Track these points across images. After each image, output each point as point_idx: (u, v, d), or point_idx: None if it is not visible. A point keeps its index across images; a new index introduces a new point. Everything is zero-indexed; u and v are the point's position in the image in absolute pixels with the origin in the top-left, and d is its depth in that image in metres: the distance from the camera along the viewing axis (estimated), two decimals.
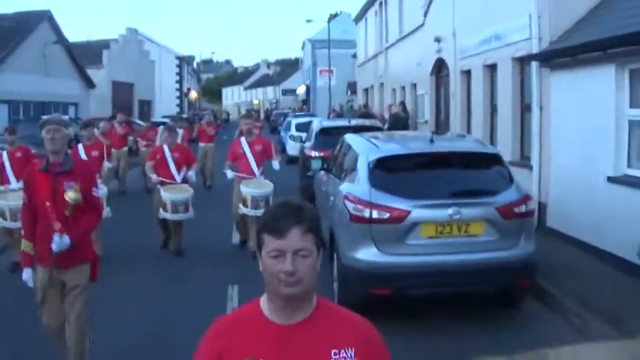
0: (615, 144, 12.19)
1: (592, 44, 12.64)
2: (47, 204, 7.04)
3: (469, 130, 21.53)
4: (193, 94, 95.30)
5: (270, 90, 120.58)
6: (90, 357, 7.62)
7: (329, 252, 10.32)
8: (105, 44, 57.08)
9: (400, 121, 27.17)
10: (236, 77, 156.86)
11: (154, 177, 14.00)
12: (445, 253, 9.19)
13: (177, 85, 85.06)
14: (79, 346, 7.29)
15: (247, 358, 3.03)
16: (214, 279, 12.42)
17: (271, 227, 3.03)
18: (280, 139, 38.10)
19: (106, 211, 12.82)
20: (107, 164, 15.39)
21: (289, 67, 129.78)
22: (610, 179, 12.19)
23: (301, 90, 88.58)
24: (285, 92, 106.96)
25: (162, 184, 13.88)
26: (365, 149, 10.72)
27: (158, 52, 74.91)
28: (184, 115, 58.81)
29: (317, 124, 22.21)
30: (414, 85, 30.22)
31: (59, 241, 6.87)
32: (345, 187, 10.41)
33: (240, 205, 13.30)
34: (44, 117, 28.57)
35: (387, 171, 9.94)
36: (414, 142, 11.74)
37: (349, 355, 3.07)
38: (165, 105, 72.57)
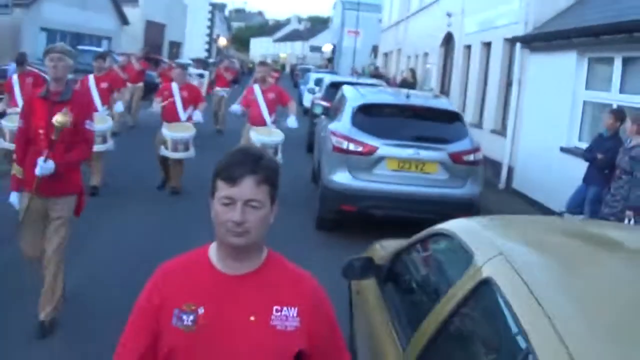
0: (569, 120, 14.44)
1: (560, 33, 14.90)
2: (41, 131, 7.03)
3: (465, 100, 23.83)
4: (222, 41, 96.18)
5: (298, 45, 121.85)
6: (69, 288, 7.73)
7: (315, 177, 13.51)
8: None
9: (407, 86, 29.28)
10: (267, 29, 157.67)
11: (154, 104, 14.08)
12: (403, 184, 11.48)
13: (208, 31, 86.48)
14: (55, 278, 7.23)
15: (185, 303, 2.94)
16: (207, 219, 12.43)
17: (225, 173, 2.92)
18: (299, 92, 40.39)
19: (109, 144, 13.47)
20: (116, 97, 15.05)
21: (319, 24, 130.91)
22: (563, 149, 14.41)
23: (327, 48, 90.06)
24: (312, 49, 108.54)
25: (166, 120, 13.84)
26: (353, 97, 13.25)
27: None
28: (211, 60, 60.56)
29: (328, 78, 24.75)
30: (426, 55, 32.25)
31: (43, 165, 6.80)
32: (333, 125, 12.83)
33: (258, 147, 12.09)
34: (79, 47, 31.04)
35: (366, 115, 12.29)
36: (394, 96, 14.15)
37: (291, 315, 2.98)
38: (194, 48, 73.72)
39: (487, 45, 21.43)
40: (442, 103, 13.71)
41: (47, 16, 40.09)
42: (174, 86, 14.06)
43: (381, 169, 11.58)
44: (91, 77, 14.26)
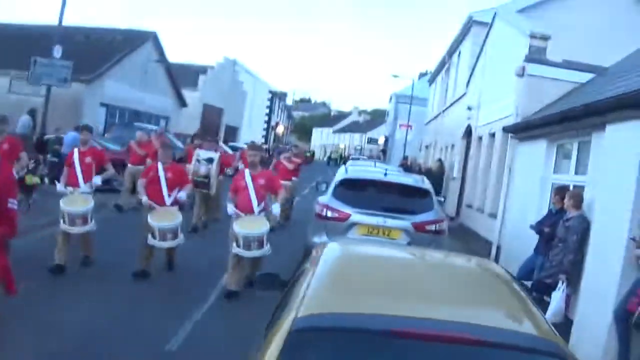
0: (539, 200, 16.02)
1: (532, 123, 16.64)
2: None
3: (474, 188, 25.60)
4: (280, 128, 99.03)
5: (357, 136, 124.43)
6: None
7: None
8: (202, 69, 62.06)
9: (431, 175, 31.31)
10: (329, 119, 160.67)
11: (144, 199, 13.24)
12: None
13: (266, 118, 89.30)
14: None
15: None
16: (175, 310, 11.30)
17: None
18: None
19: (90, 225, 12.91)
20: (96, 179, 13.64)
21: (379, 117, 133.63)
22: (532, 227, 15.96)
23: (381, 140, 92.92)
24: (370, 140, 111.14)
25: (151, 207, 13.15)
26: (339, 173, 15.43)
27: (252, 83, 79.25)
28: (265, 146, 62.59)
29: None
30: (453, 146, 34.08)
31: None
32: (320, 197, 14.74)
33: (234, 245, 12.26)
34: (135, 123, 33.35)
35: (345, 188, 14.36)
36: (374, 174, 15.80)
37: None
38: (252, 133, 76.23)
39: (492, 136, 23.20)
40: (414, 181, 15.60)
41: (109, 93, 42.66)
42: (159, 166, 13.60)
43: (352, 234, 13.38)
44: (75, 151, 13.71)
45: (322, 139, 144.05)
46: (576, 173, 14.53)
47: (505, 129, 19.49)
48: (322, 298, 4.60)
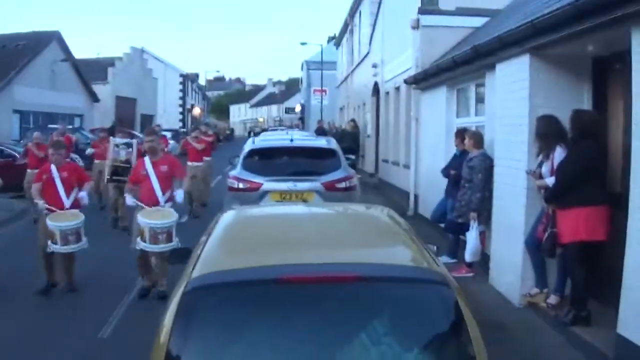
0: (445, 145, 16.52)
1: (429, 72, 17.17)
2: None
3: (387, 141, 26.16)
4: (196, 110, 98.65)
5: (274, 108, 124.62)
6: None
7: None
8: (110, 62, 61.61)
9: (347, 135, 32.07)
10: (245, 95, 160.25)
11: (40, 203, 11.69)
12: None
13: (181, 102, 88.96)
14: None
15: None
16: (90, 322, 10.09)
17: None
18: None
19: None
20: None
21: (294, 86, 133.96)
22: (441, 172, 16.45)
23: (298, 108, 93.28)
24: (287, 110, 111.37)
25: (50, 210, 11.60)
26: (247, 145, 15.57)
27: (162, 69, 79.12)
28: (183, 129, 62.27)
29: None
30: (364, 105, 34.64)
31: None
32: (231, 171, 15.00)
33: (138, 239, 11.08)
34: (49, 125, 33.14)
35: (254, 159, 14.77)
36: (280, 141, 16.03)
37: None
38: (168, 119, 75.97)
39: (397, 90, 23.75)
40: (320, 143, 15.95)
41: (19, 98, 42.27)
42: (53, 168, 12.00)
43: (266, 202, 13.63)
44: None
45: (240, 115, 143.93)
46: (476, 115, 15.05)
47: (407, 81, 20.04)
48: (213, 259, 4.97)
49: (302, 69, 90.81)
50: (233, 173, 14.54)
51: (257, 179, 13.92)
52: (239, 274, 4.56)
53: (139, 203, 11.55)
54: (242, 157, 14.91)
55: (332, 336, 4.26)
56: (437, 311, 4.46)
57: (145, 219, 11.05)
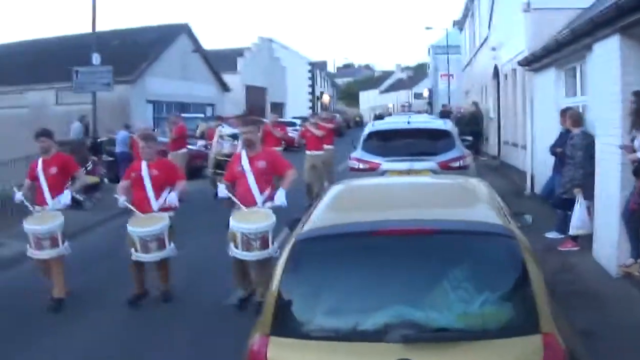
0: (556, 125, 16.83)
1: (537, 54, 17.61)
2: None
3: (507, 125, 26.56)
4: (326, 97, 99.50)
5: (403, 93, 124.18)
6: None
7: None
8: (239, 52, 63.21)
9: (468, 118, 32.61)
10: (374, 81, 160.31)
11: (121, 200, 10.77)
12: None
13: (310, 89, 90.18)
14: None
15: None
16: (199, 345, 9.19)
17: None
18: None
19: (63, 247, 10.86)
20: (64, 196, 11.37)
21: (421, 71, 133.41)
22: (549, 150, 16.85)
23: (425, 93, 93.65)
24: (416, 96, 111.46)
25: (131, 211, 10.83)
26: (367, 127, 16.76)
27: (291, 58, 79.81)
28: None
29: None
30: (486, 88, 35.02)
31: None
32: (352, 153, 16.00)
33: (231, 245, 9.96)
34: (183, 114, 34.63)
35: (374, 140, 15.72)
36: (398, 124, 17.10)
37: None
38: (298, 107, 76.62)
39: (514, 72, 24.14)
40: (435, 124, 16.88)
41: (152, 90, 43.80)
42: (143, 165, 11.04)
43: None
44: (39, 162, 11.47)
45: (370, 102, 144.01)
46: (582, 94, 15.48)
47: (520, 63, 20.51)
48: (318, 218, 5.95)
49: (428, 53, 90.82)
50: (354, 154, 15.55)
51: (376, 160, 14.83)
52: (338, 228, 5.56)
53: (236, 200, 10.24)
54: (362, 139, 15.88)
55: (415, 280, 5.06)
56: (503, 260, 5.17)
57: (237, 222, 9.81)
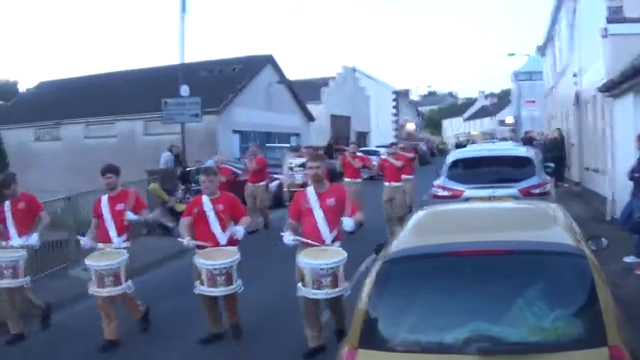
0: (636, 150, 17.10)
1: (616, 80, 17.84)
2: None
3: (589, 151, 26.70)
4: (410, 125, 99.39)
5: (487, 120, 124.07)
6: None
7: None
8: (324, 82, 64.03)
9: (551, 144, 32.74)
10: (457, 108, 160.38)
11: (185, 241, 10.35)
12: None
13: (394, 118, 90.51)
14: None
15: None
16: None
17: None
18: None
19: (126, 284, 10.73)
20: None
21: (504, 98, 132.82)
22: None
23: (509, 120, 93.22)
24: (500, 123, 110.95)
25: (200, 248, 10.40)
26: (450, 156, 17.36)
27: (374, 87, 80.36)
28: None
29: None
30: (567, 114, 35.02)
31: None
32: (435, 181, 16.55)
33: (299, 285, 9.37)
34: (267, 144, 35.50)
35: (457, 168, 16.32)
36: (480, 151, 17.62)
37: None
38: (382, 136, 76.96)
39: (595, 98, 24.30)
40: (517, 151, 17.34)
41: (239, 120, 44.76)
42: (205, 200, 10.77)
43: None
44: (104, 198, 11.44)
45: (453, 129, 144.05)
46: None
47: (600, 89, 20.73)
48: (403, 241, 6.65)
49: (511, 80, 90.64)
50: (437, 182, 16.10)
51: (459, 187, 15.37)
52: (421, 249, 6.25)
53: (305, 240, 9.76)
54: (445, 167, 16.44)
55: (492, 297, 5.62)
56: (573, 278, 5.66)
57: (306, 258, 9.26)
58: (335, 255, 9.27)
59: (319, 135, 55.70)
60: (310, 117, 57.13)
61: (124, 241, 11.13)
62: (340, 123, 64.56)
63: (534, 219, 7.53)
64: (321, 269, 9.04)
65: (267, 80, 49.48)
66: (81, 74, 71.43)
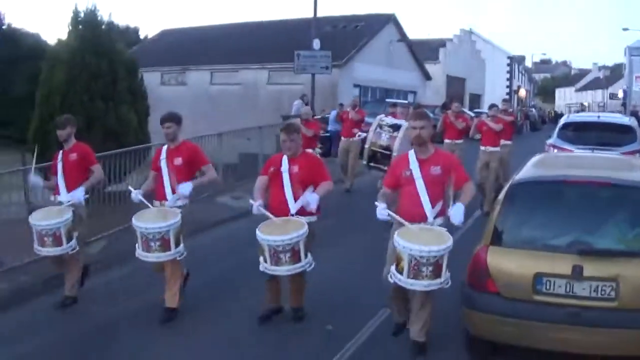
0: None
1: None
2: None
3: None
4: (522, 92, 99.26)
5: (599, 93, 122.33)
6: None
7: None
8: (442, 43, 65.50)
9: None
10: (570, 78, 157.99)
11: (255, 205, 8.91)
12: None
13: (507, 83, 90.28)
14: None
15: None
16: None
17: None
18: None
19: (176, 250, 9.29)
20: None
21: (618, 71, 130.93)
22: None
23: (620, 94, 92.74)
24: (612, 96, 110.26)
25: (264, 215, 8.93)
26: (563, 118, 19.56)
27: (490, 51, 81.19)
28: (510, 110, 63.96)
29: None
30: None
31: None
32: (547, 140, 18.62)
33: (392, 269, 7.77)
34: (386, 99, 37.36)
35: (566, 130, 18.28)
36: (589, 117, 19.70)
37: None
38: (495, 99, 75.71)
39: None
40: (621, 120, 19.20)
41: (359, 74, 46.34)
42: (284, 160, 9.23)
43: None
44: (164, 150, 10.18)
45: (565, 99, 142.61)
46: None
47: None
48: (526, 172, 8.58)
49: (625, 54, 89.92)
50: (549, 141, 18.00)
51: (568, 146, 17.05)
52: (540, 177, 8.33)
53: (399, 219, 8.03)
54: (557, 128, 18.44)
55: (591, 216, 7.49)
56: None
57: (406, 240, 7.55)
58: (443, 241, 7.57)
59: (435, 94, 57.09)
60: (427, 76, 58.12)
61: (178, 199, 9.73)
62: (455, 84, 65.73)
63: (627, 165, 9.74)
64: (423, 255, 7.42)
65: (388, 38, 50.59)
66: (202, 24, 73.45)
